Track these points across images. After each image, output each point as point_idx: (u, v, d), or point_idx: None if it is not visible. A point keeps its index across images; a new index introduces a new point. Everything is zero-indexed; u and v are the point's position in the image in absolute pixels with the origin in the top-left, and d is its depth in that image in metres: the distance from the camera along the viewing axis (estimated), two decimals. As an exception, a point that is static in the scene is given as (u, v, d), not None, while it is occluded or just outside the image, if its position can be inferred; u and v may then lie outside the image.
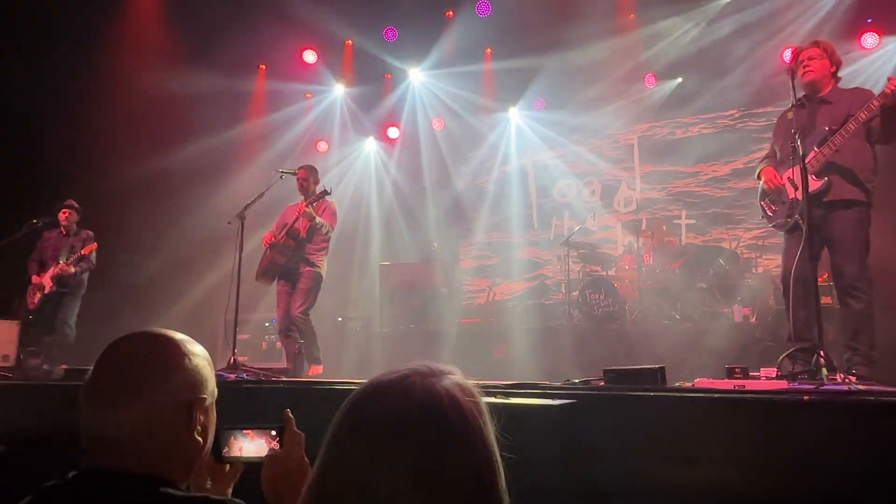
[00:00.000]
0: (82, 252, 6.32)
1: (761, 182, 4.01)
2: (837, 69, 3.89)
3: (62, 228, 6.55)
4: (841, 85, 3.96)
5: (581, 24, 7.87)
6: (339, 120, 10.18)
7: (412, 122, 10.20)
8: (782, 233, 3.99)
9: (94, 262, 6.58)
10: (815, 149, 3.63)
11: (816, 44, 3.90)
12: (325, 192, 5.53)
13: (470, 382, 0.93)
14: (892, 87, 3.37)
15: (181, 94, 7.83)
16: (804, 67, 3.78)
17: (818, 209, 3.56)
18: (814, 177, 3.59)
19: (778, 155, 4.04)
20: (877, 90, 3.60)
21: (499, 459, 0.89)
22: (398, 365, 0.93)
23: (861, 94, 3.80)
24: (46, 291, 6.34)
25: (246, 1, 8.07)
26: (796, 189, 3.73)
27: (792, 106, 3.56)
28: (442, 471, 0.82)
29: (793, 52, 3.97)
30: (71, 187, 7.03)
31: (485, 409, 0.91)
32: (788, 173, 3.83)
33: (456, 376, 0.92)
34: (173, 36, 7.97)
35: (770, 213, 3.98)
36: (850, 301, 3.55)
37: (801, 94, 3.89)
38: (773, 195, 3.92)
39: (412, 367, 0.92)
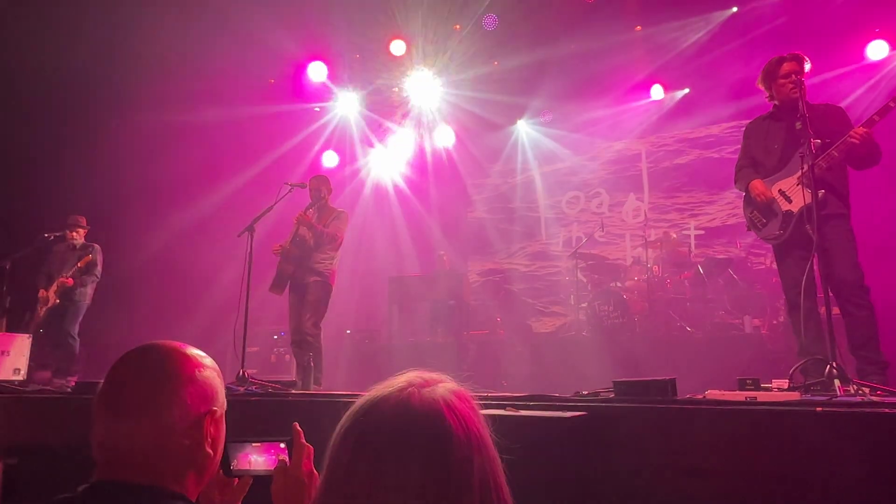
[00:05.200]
0: (78, 265, 6.37)
1: (748, 193, 3.98)
2: None
3: (69, 242, 6.61)
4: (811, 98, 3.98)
5: (588, 36, 7.90)
6: (348, 132, 10.25)
7: (420, 134, 10.24)
8: (773, 246, 3.97)
9: (100, 274, 6.62)
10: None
11: (801, 59, 3.86)
12: (335, 209, 5.59)
13: (464, 388, 0.93)
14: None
15: (187, 107, 7.91)
16: (794, 83, 3.73)
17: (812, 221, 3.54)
18: (809, 189, 3.58)
19: (762, 167, 3.99)
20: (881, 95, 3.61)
21: (499, 461, 0.89)
22: (391, 378, 0.93)
23: (837, 111, 3.88)
24: (50, 304, 6.40)
25: (254, 14, 8.14)
26: (789, 202, 3.74)
27: (800, 115, 3.54)
28: (448, 478, 0.83)
29: (775, 62, 3.92)
30: (79, 199, 7.09)
31: (481, 414, 0.92)
32: (779, 185, 3.82)
33: (449, 384, 0.93)
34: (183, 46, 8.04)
35: (760, 226, 3.95)
36: (854, 310, 3.53)
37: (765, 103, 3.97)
38: (762, 207, 3.90)
39: (406, 378, 0.92)
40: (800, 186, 3.60)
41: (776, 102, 3.96)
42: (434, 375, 0.93)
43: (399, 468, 0.82)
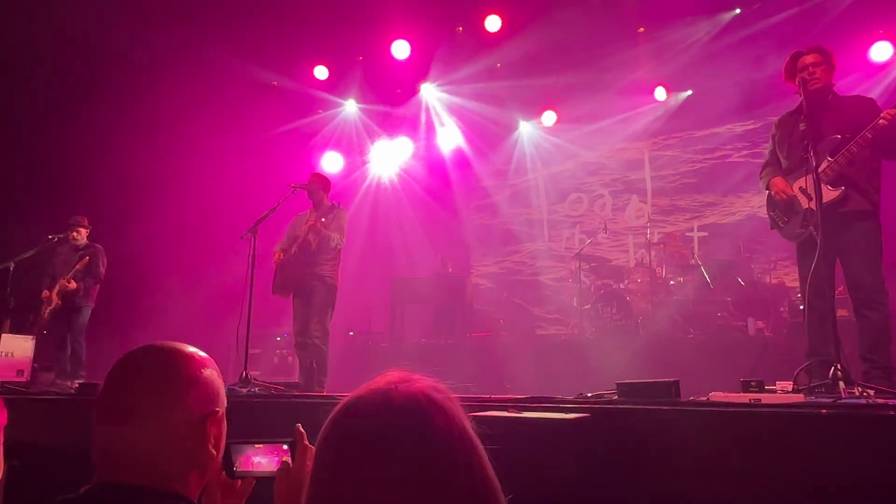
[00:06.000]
0: (76, 267, 6.36)
1: (769, 192, 3.94)
2: (833, 75, 3.82)
3: (71, 243, 6.60)
4: (839, 92, 3.88)
5: (591, 38, 7.91)
6: (351, 135, 10.26)
7: (423, 136, 10.25)
8: (794, 244, 3.93)
9: (102, 275, 6.61)
10: (829, 158, 3.58)
11: (819, 50, 3.79)
12: (334, 206, 5.57)
13: (443, 385, 0.94)
14: None
15: (191, 109, 7.93)
16: (810, 75, 3.68)
17: (832, 220, 3.47)
18: (829, 187, 3.54)
19: (784, 163, 3.95)
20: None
21: (484, 452, 0.90)
22: (372, 378, 0.94)
23: (867, 103, 3.76)
24: (53, 306, 6.39)
25: (258, 18, 8.16)
26: (810, 199, 3.65)
27: (802, 115, 3.53)
28: (432, 470, 0.84)
29: (791, 58, 3.86)
30: (83, 200, 7.11)
31: (460, 406, 0.93)
32: (800, 182, 3.73)
33: (428, 380, 0.94)
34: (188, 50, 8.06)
35: (781, 224, 3.91)
36: (868, 312, 3.48)
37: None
38: (783, 206, 3.86)
39: (385, 377, 0.93)
40: (820, 184, 3.50)
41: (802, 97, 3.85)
42: (413, 374, 0.94)
43: (383, 463, 0.83)
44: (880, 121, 3.46)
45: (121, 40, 7.54)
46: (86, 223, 6.70)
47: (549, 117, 9.59)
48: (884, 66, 7.44)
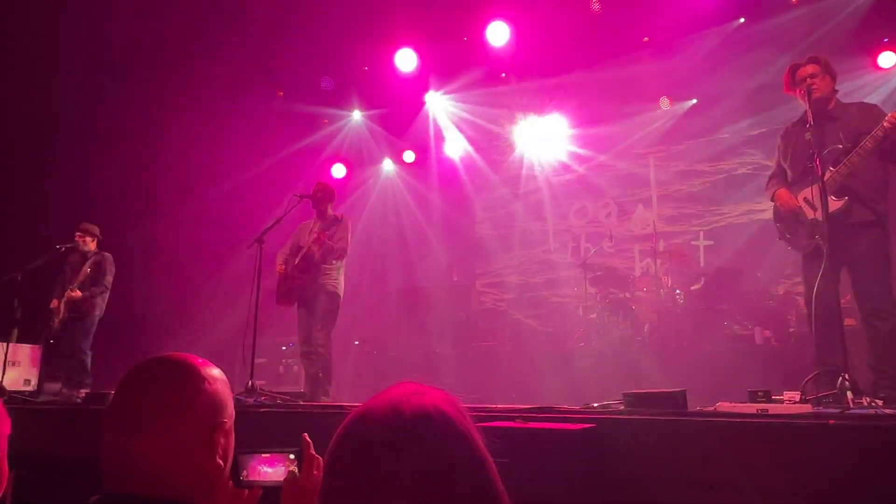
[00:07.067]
0: (79, 277, 6.35)
1: (775, 204, 3.94)
2: (835, 82, 3.82)
3: (80, 252, 6.61)
4: (843, 99, 3.86)
5: (595, 48, 7.94)
6: (357, 144, 10.30)
7: (429, 145, 10.28)
8: (801, 255, 3.91)
9: (110, 284, 6.61)
10: (831, 168, 3.57)
11: (815, 60, 3.79)
12: (338, 218, 5.59)
13: (455, 396, 0.95)
14: None
15: (199, 118, 7.99)
16: (808, 86, 3.67)
17: (838, 230, 3.46)
18: (833, 197, 3.54)
19: (789, 174, 3.95)
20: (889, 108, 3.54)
21: (493, 463, 0.90)
22: (382, 389, 0.95)
23: (870, 111, 3.73)
24: (61, 316, 6.40)
25: (263, 27, 8.23)
26: (815, 210, 3.64)
27: (807, 125, 3.53)
28: (441, 480, 0.84)
29: (790, 70, 3.87)
30: (92, 210, 7.14)
31: (471, 419, 0.93)
32: (804, 193, 3.72)
33: (439, 392, 0.94)
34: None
35: (788, 236, 3.90)
36: (876, 322, 3.47)
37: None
38: (789, 217, 3.85)
39: (396, 388, 0.94)
40: (826, 194, 3.44)
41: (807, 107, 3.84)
42: (424, 386, 0.95)
43: (393, 475, 0.84)
44: (878, 131, 3.46)
45: (129, 49, 7.60)
46: (95, 231, 6.70)
47: (554, 127, 9.60)
48: (889, 75, 7.42)
